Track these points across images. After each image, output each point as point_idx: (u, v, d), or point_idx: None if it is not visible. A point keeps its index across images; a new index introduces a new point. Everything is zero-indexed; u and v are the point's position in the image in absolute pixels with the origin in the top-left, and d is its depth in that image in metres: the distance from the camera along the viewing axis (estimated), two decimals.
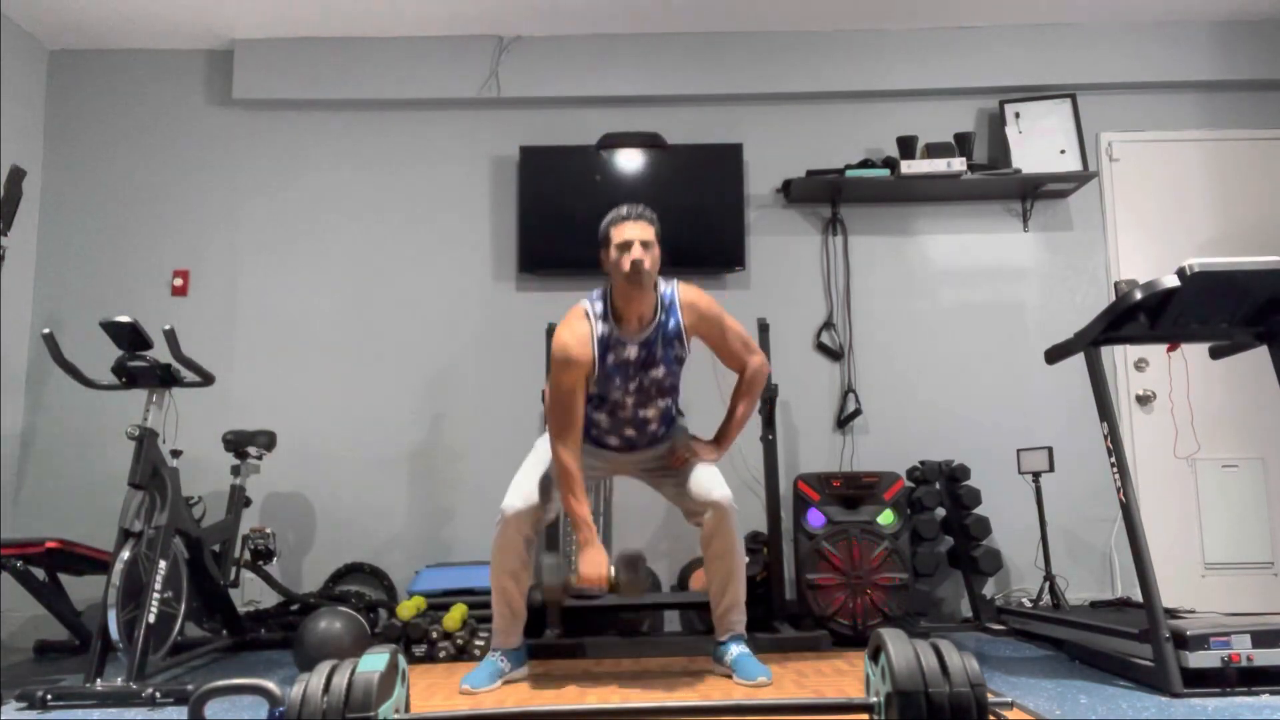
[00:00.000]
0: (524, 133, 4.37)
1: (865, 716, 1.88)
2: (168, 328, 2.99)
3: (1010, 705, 1.88)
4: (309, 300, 4.29)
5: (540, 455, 2.88)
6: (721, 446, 2.96)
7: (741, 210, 4.23)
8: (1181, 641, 2.45)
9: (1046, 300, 4.26)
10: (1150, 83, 4.35)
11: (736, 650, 2.80)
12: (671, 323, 2.78)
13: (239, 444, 3.74)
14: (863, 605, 3.47)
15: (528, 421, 4.15)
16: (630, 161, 4.22)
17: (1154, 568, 2.52)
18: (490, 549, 2.79)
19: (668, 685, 2.67)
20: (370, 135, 4.40)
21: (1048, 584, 3.65)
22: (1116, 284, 2.67)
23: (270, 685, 1.74)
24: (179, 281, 4.28)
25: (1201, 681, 2.44)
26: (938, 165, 4.04)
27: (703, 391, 3.71)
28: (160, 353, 3.10)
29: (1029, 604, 3.73)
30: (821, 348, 4.24)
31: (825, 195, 4.28)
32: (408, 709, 1.93)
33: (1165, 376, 4.16)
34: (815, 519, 3.64)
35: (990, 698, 1.75)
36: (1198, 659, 2.43)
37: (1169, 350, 3.97)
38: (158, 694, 2.58)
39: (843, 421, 4.17)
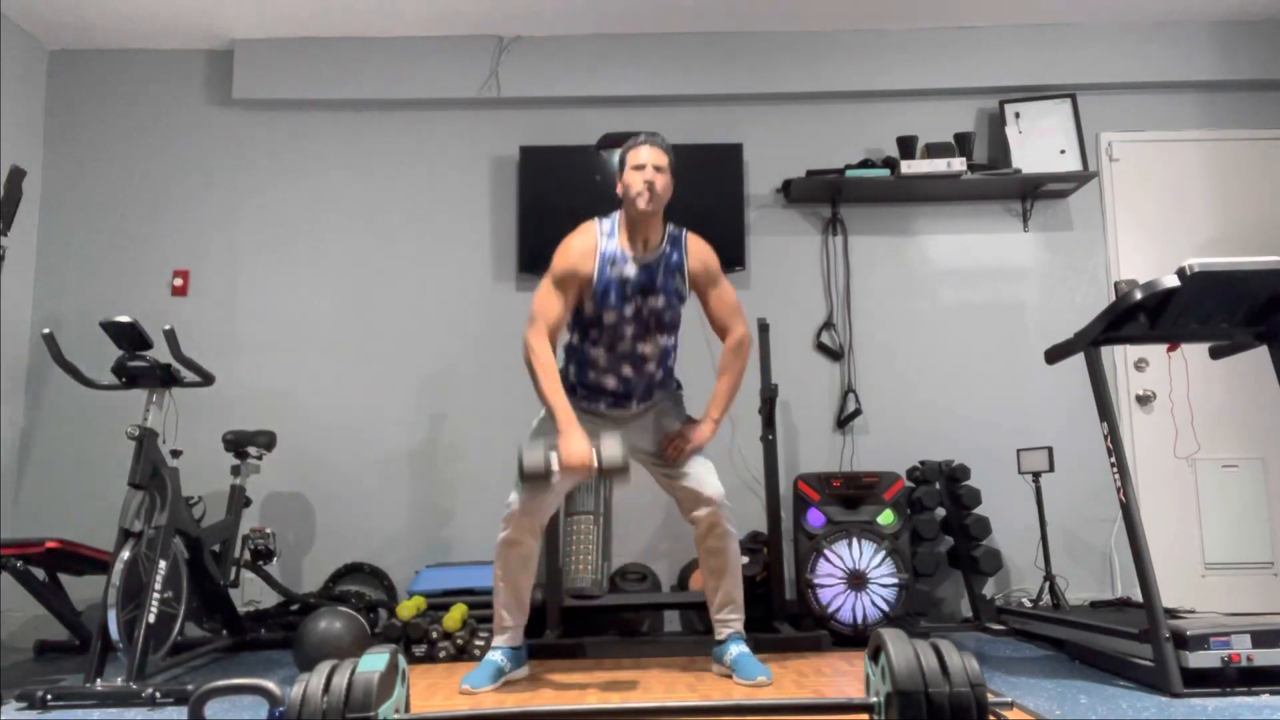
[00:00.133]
0: (524, 133, 4.37)
1: (865, 716, 1.88)
2: (168, 328, 2.99)
3: (1010, 705, 1.88)
4: (309, 300, 4.29)
5: (538, 439, 2.85)
6: (714, 421, 2.89)
7: (741, 210, 4.23)
8: (1181, 641, 2.45)
9: (1046, 300, 4.26)
10: (1150, 83, 4.35)
11: (736, 650, 2.80)
12: (676, 256, 2.84)
13: (239, 444, 3.74)
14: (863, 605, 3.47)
15: (528, 421, 4.14)
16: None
17: (1154, 568, 2.52)
18: (495, 546, 2.80)
19: (668, 685, 2.68)
20: (370, 135, 4.40)
21: (1048, 584, 3.65)
22: (1116, 284, 2.67)
23: (270, 685, 1.74)
24: (179, 281, 4.28)
25: (1201, 681, 2.44)
26: (938, 165, 4.04)
27: (699, 382, 3.70)
28: (160, 353, 3.10)
29: (1029, 604, 3.73)
30: (821, 348, 4.24)
31: (825, 195, 4.28)
32: (408, 709, 1.93)
33: (1165, 376, 4.16)
34: (815, 519, 3.64)
35: (990, 698, 1.75)
36: (1198, 659, 2.43)
37: (1169, 350, 3.98)
38: (158, 694, 2.58)
39: (843, 421, 4.17)
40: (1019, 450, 3.79)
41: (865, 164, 4.18)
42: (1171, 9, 4.27)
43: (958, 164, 4.04)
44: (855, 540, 3.54)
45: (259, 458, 3.80)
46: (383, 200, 4.36)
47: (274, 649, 3.59)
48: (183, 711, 2.49)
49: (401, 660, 1.90)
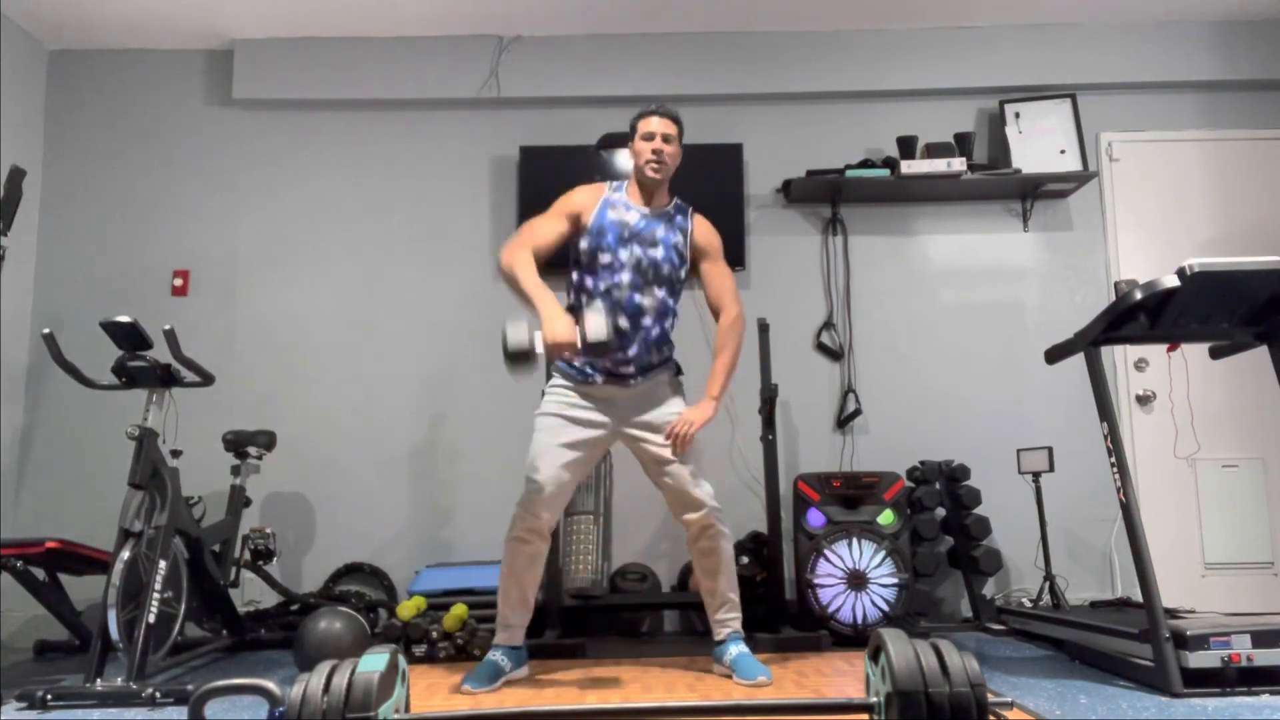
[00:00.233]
0: (524, 133, 4.37)
1: (865, 716, 1.88)
2: (168, 328, 2.99)
3: (1010, 705, 1.88)
4: (309, 300, 4.29)
5: (542, 440, 2.84)
6: (714, 400, 2.85)
7: (741, 210, 4.23)
8: (1181, 641, 2.45)
9: (1046, 300, 4.26)
10: (1150, 83, 4.35)
11: (736, 650, 2.81)
12: (681, 219, 2.92)
13: (239, 444, 3.74)
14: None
15: (528, 421, 4.14)
16: (630, 162, 4.21)
17: (1154, 568, 2.52)
18: (501, 544, 2.80)
19: (668, 685, 2.68)
20: (370, 135, 4.40)
21: (1048, 584, 3.65)
22: (1116, 284, 2.67)
23: (270, 685, 1.74)
24: (179, 281, 4.28)
25: (1201, 681, 2.44)
26: (938, 165, 4.04)
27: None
28: (160, 353, 3.10)
29: (1029, 604, 3.73)
30: (821, 348, 4.24)
31: (825, 195, 4.29)
32: (408, 709, 1.93)
33: (1165, 376, 4.16)
34: (815, 519, 3.64)
35: (990, 698, 1.75)
36: (1198, 659, 2.43)
37: (1169, 350, 3.98)
38: (158, 694, 2.58)
39: (843, 421, 4.17)
40: (1019, 450, 3.79)
41: (865, 164, 4.18)
42: (1171, 9, 4.27)
43: (958, 164, 4.04)
44: (855, 540, 3.54)
45: (259, 458, 3.80)
46: (382, 200, 4.36)
47: (274, 649, 3.59)
48: (183, 711, 2.49)
49: (401, 660, 1.90)
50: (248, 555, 3.72)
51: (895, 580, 3.49)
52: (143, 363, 3.05)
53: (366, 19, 4.24)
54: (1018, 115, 4.28)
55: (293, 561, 4.09)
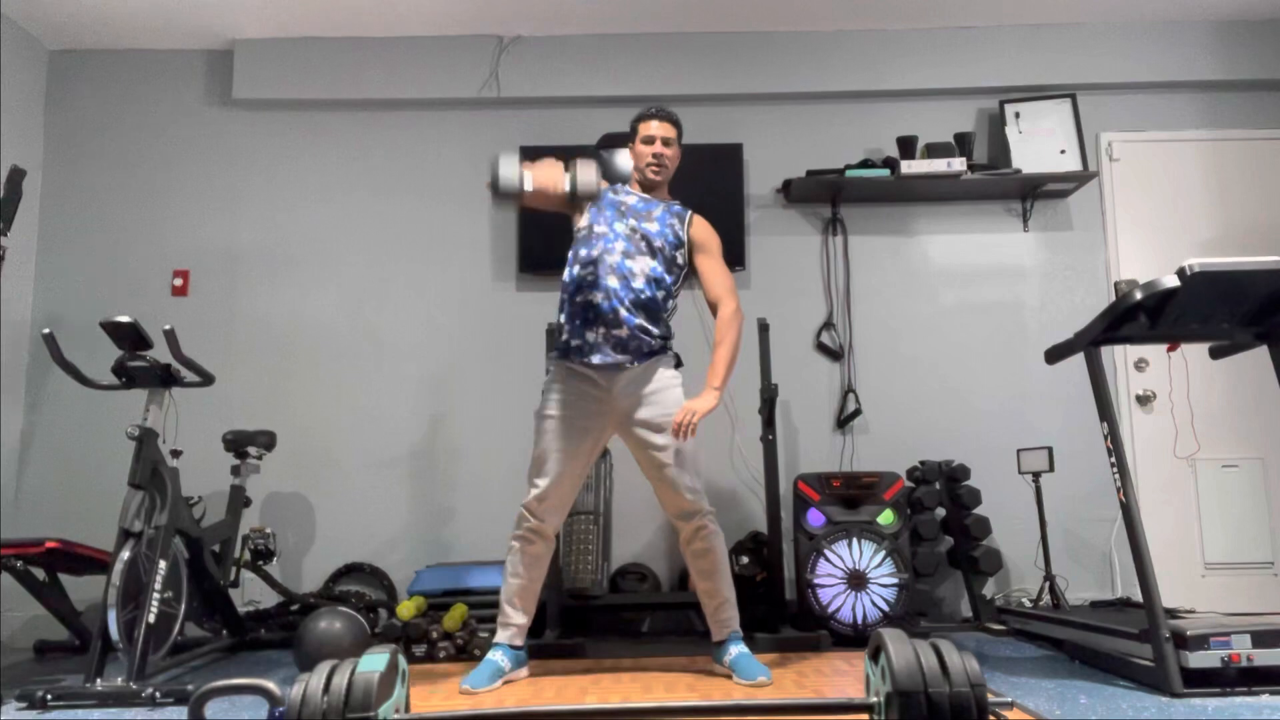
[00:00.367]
0: (524, 133, 4.37)
1: (865, 716, 1.88)
2: (168, 328, 2.99)
3: (1010, 705, 1.88)
4: (309, 300, 4.29)
5: (544, 443, 2.83)
6: (715, 390, 2.83)
7: (741, 210, 4.23)
8: (1181, 641, 2.45)
9: (1046, 300, 4.26)
10: (1150, 83, 4.35)
11: (736, 650, 2.81)
12: (677, 208, 3.00)
13: (239, 444, 3.74)
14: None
15: (528, 421, 4.15)
16: (630, 162, 4.21)
17: (1154, 568, 2.52)
18: (502, 544, 2.80)
19: (668, 685, 2.67)
20: (370, 135, 4.40)
21: (1048, 584, 3.65)
22: (1116, 284, 2.67)
23: (270, 685, 1.74)
24: (179, 281, 4.28)
25: (1201, 681, 2.44)
26: (938, 165, 4.04)
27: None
28: (160, 353, 3.11)
29: (1029, 604, 3.73)
30: (821, 348, 4.24)
31: (825, 195, 4.28)
32: (408, 709, 1.93)
33: (1165, 376, 4.16)
34: (815, 519, 3.64)
35: (990, 698, 1.75)
36: (1198, 659, 2.43)
37: (1169, 350, 3.98)
38: (158, 694, 2.58)
39: (843, 421, 4.17)
40: (1019, 450, 3.79)
41: (865, 164, 4.18)
42: (1171, 9, 4.27)
43: (958, 164, 4.04)
44: (855, 540, 3.54)
45: (259, 458, 3.80)
46: (382, 200, 4.36)
47: (274, 649, 3.59)
48: (183, 711, 2.49)
49: (401, 660, 1.90)
50: (248, 555, 3.72)
51: (895, 580, 3.49)
52: (143, 363, 3.05)
53: (366, 19, 4.24)
54: (1018, 115, 4.28)
55: (293, 561, 4.09)
